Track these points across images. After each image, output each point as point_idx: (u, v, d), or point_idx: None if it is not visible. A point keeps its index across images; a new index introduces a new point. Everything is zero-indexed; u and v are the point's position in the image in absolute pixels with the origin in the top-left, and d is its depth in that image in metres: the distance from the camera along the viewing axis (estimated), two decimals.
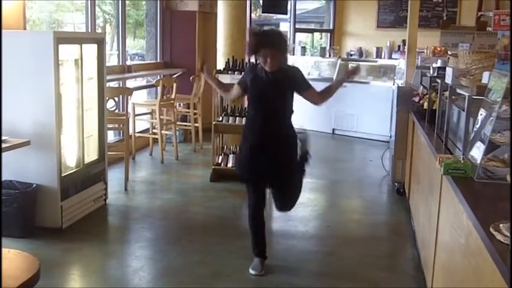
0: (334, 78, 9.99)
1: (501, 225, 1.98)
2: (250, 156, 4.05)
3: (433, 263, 3.48)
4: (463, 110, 3.43)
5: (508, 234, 1.91)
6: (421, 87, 5.85)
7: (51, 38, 4.46)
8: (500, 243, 1.90)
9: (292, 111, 4.06)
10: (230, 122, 6.43)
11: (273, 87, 3.90)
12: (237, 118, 6.38)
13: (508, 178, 2.60)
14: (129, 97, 6.89)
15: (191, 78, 8.26)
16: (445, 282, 3.11)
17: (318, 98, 4.06)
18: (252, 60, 4.17)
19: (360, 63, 10.45)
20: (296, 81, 3.99)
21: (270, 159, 3.98)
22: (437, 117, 4.34)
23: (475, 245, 2.24)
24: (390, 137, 7.27)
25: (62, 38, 4.66)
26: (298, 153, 4.19)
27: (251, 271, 4.05)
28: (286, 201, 4.31)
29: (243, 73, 4.25)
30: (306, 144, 4.38)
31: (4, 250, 2.15)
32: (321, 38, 13.60)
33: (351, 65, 4.16)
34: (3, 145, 4.12)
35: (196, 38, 9.06)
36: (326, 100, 4.09)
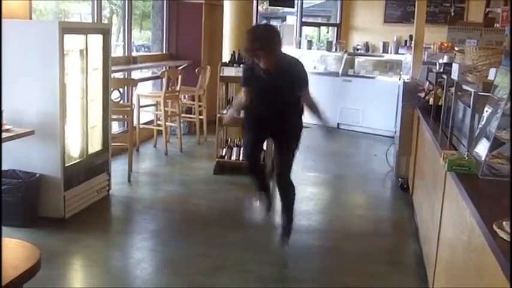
0: (340, 72, 9.98)
1: (504, 222, 1.97)
2: (255, 114, 4.17)
3: (435, 259, 3.46)
4: (469, 106, 3.42)
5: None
6: (427, 82, 5.83)
7: (56, 28, 4.45)
8: (503, 241, 1.89)
9: (297, 95, 4.06)
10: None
11: (270, 83, 3.90)
12: (241, 111, 6.34)
13: None
14: (134, 88, 6.88)
15: (196, 70, 8.25)
16: (447, 279, 3.10)
17: (305, 98, 4.08)
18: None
19: (367, 57, 10.48)
20: (296, 80, 3.97)
21: (274, 117, 4.05)
22: (443, 113, 4.32)
23: (478, 242, 2.23)
24: (395, 132, 7.26)
25: (67, 28, 4.65)
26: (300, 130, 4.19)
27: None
28: (284, 156, 4.26)
29: (242, 72, 4.23)
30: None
31: (5, 239, 2.15)
32: (327, 32, 13.56)
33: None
34: (8, 134, 4.13)
35: (203, 30, 9.03)
36: (307, 104, 4.09)
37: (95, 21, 6.91)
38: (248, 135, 4.25)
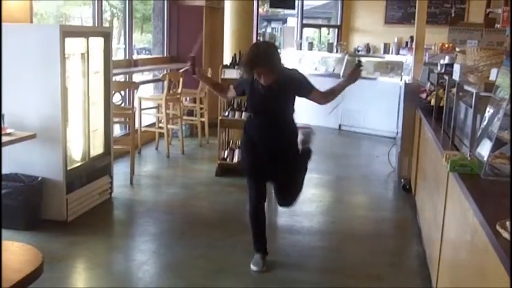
0: (341, 74, 9.97)
1: (507, 223, 1.97)
2: (252, 154, 4.08)
3: (439, 260, 3.46)
4: (471, 107, 3.41)
5: None
6: (429, 83, 5.82)
7: (57, 31, 4.45)
8: (505, 241, 1.88)
9: (294, 110, 4.06)
10: (236, 117, 6.42)
11: (270, 99, 3.89)
12: (243, 113, 6.35)
13: None
14: (135, 91, 6.88)
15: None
16: (450, 280, 3.09)
17: (321, 99, 4.06)
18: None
19: (367, 59, 10.45)
20: (298, 88, 3.96)
21: (271, 156, 3.99)
22: (444, 114, 4.31)
23: (481, 242, 2.23)
24: (397, 133, 7.25)
25: (68, 32, 4.66)
26: (298, 149, 4.17)
27: (252, 267, 4.04)
28: (287, 196, 4.30)
29: (239, 78, 4.22)
30: (308, 140, 4.38)
31: (8, 243, 2.15)
32: (328, 34, 13.57)
33: (354, 63, 4.08)
34: (9, 138, 4.14)
35: (203, 33, 9.04)
36: (330, 101, 4.10)
37: (96, 24, 6.92)
38: (248, 178, 4.21)
